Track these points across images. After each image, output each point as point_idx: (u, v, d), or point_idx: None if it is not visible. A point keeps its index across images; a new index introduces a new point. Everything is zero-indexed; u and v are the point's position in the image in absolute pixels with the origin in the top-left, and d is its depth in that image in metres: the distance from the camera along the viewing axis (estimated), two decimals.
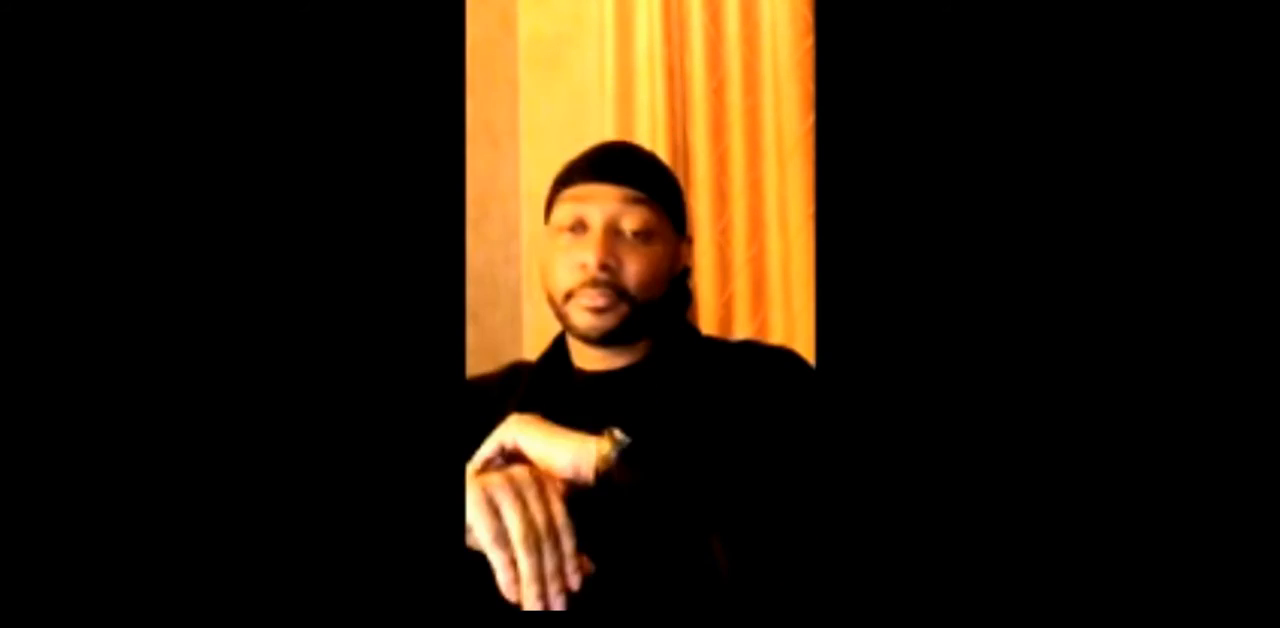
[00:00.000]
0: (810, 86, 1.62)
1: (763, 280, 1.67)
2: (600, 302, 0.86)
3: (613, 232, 0.88)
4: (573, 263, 0.87)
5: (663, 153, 1.70)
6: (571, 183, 0.90)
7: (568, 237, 0.89)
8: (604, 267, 0.86)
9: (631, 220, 0.88)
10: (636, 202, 0.89)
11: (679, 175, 1.73)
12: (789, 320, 1.64)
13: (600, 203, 0.88)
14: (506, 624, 0.53)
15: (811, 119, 1.61)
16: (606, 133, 1.74)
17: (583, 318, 0.87)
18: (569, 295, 0.87)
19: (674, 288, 0.94)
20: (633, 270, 0.87)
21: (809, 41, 1.62)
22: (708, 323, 1.69)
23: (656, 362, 0.91)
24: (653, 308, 0.90)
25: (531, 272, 1.90)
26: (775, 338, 1.65)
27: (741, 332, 1.67)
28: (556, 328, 0.95)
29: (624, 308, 0.87)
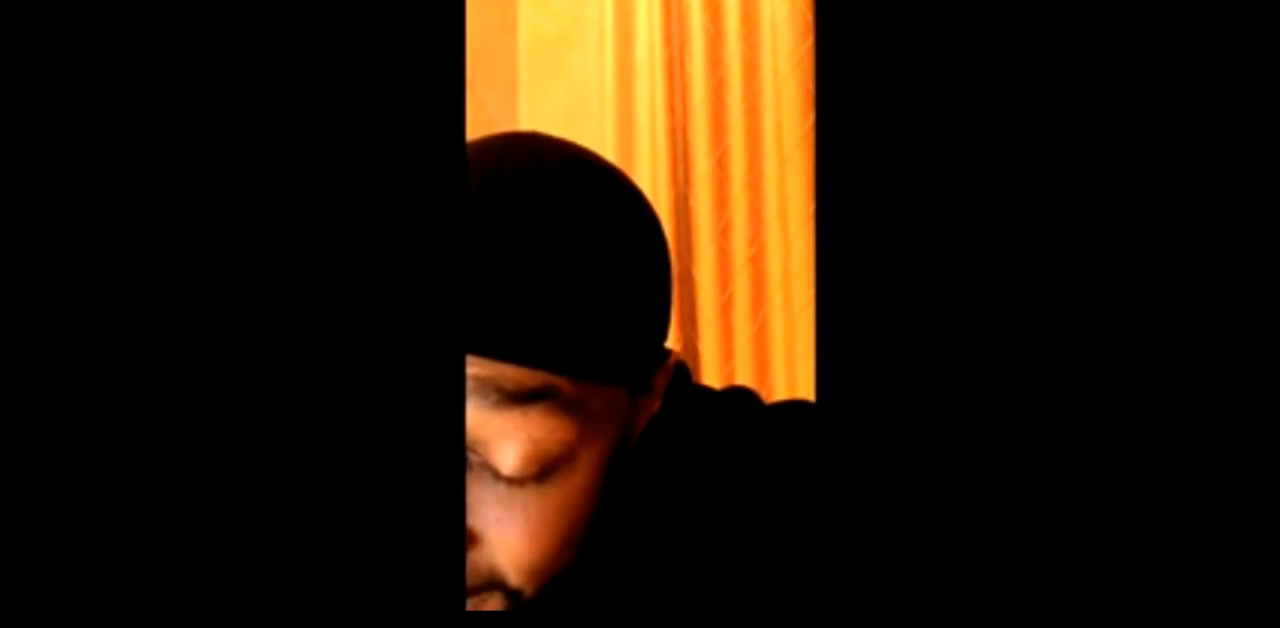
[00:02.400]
0: (810, 86, 1.61)
1: (763, 280, 1.67)
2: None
3: (474, 473, 0.43)
4: None
5: (663, 153, 1.70)
6: None
7: None
8: None
9: (505, 450, 0.42)
10: (502, 393, 0.42)
11: (679, 177, 1.74)
12: (789, 320, 1.64)
13: None
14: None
15: (811, 119, 1.61)
16: (606, 133, 1.74)
17: None
18: None
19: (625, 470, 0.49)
20: (507, 549, 0.43)
21: (809, 41, 1.61)
22: (708, 323, 1.69)
23: (595, 570, 0.49)
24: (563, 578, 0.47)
25: None
26: (775, 338, 1.65)
27: (742, 332, 1.67)
28: None
29: (501, 601, 0.45)
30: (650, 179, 1.71)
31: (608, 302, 0.43)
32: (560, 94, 1.91)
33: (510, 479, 0.42)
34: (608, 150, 1.73)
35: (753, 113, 1.68)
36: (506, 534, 0.43)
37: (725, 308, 1.69)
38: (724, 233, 1.69)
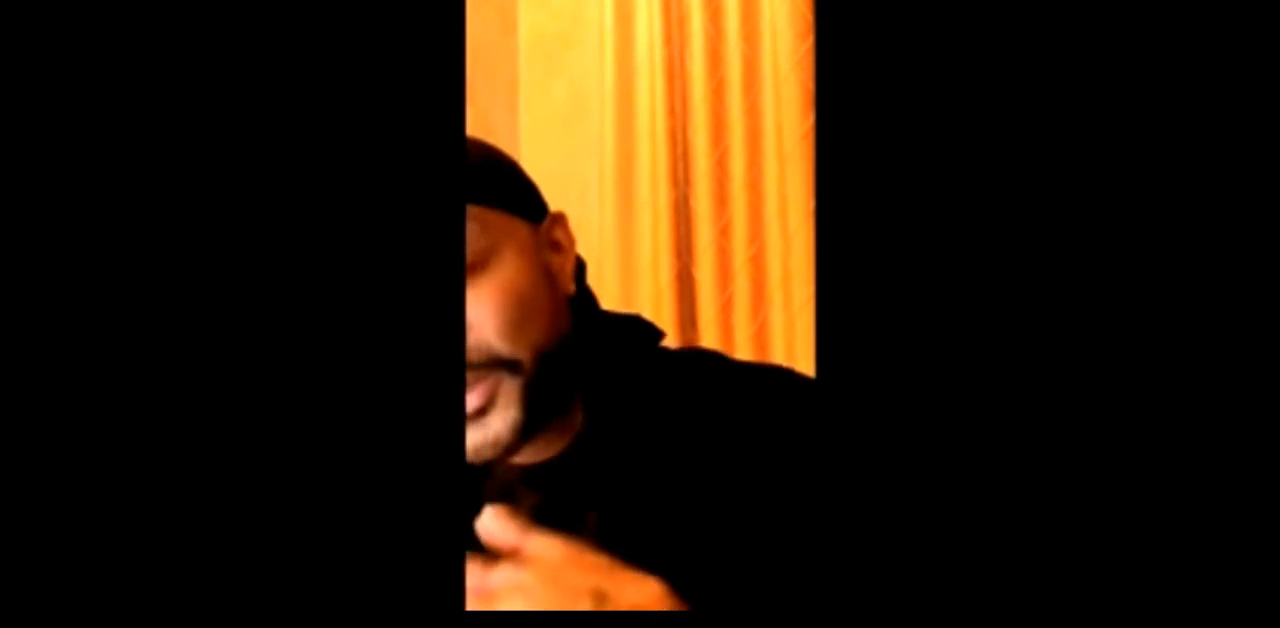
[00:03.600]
0: (810, 86, 1.61)
1: (763, 280, 1.67)
2: (474, 401, 0.56)
3: None
4: None
5: (663, 153, 1.70)
6: None
7: None
8: None
9: None
10: None
11: (679, 177, 1.74)
12: (789, 320, 1.64)
13: None
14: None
15: (811, 119, 1.61)
16: (606, 132, 1.74)
17: (474, 439, 0.56)
18: None
19: (576, 308, 0.64)
20: (483, 323, 0.57)
21: (809, 41, 1.61)
22: (708, 323, 1.69)
23: (599, 442, 0.62)
24: (557, 363, 0.59)
25: None
26: (775, 338, 1.65)
27: (742, 332, 1.67)
28: None
29: (513, 387, 0.57)
30: (650, 179, 1.71)
31: (484, 165, 0.62)
32: (560, 93, 1.91)
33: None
34: (608, 150, 1.73)
35: (753, 113, 1.68)
36: (477, 313, 0.57)
37: (725, 308, 1.69)
38: (724, 233, 1.69)
